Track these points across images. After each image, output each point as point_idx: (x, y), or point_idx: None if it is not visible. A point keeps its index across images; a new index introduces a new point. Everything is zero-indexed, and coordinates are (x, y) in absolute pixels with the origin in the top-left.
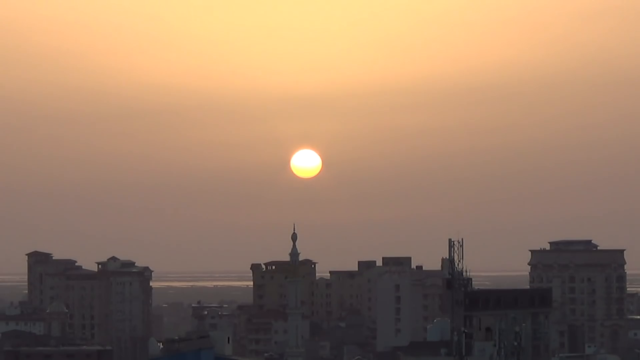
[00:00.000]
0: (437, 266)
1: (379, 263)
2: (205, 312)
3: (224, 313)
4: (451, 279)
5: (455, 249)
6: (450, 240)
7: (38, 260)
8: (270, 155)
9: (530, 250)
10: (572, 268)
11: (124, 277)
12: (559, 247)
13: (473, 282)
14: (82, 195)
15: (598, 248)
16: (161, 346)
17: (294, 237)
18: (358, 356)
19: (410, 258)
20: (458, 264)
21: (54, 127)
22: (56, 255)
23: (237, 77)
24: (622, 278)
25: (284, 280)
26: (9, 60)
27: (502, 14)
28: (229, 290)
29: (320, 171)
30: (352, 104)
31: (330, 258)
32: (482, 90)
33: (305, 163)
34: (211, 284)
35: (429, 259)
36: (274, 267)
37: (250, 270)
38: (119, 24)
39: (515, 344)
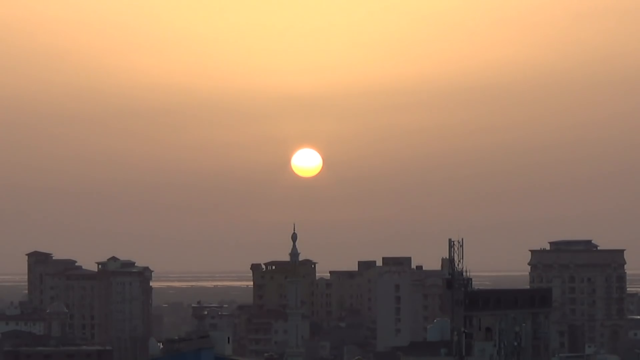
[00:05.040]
0: (437, 266)
1: (379, 263)
2: (205, 312)
3: (224, 313)
4: (451, 279)
5: (455, 249)
6: (450, 240)
7: (38, 260)
8: (271, 155)
9: (530, 250)
10: (572, 268)
11: (124, 277)
12: (559, 247)
13: (473, 282)
14: (82, 195)
15: (598, 248)
16: (161, 346)
17: (294, 237)
18: (358, 356)
19: (410, 258)
20: (458, 264)
21: (54, 126)
22: (56, 255)
23: (237, 77)
24: (622, 278)
25: (284, 280)
26: (9, 60)
27: (502, 14)
28: (229, 290)
29: (320, 170)
30: (352, 103)
31: (330, 258)
32: (482, 90)
33: (306, 162)
34: (211, 284)
35: (429, 259)
36: (274, 267)
37: (250, 270)
38: (119, 24)
39: (515, 344)
